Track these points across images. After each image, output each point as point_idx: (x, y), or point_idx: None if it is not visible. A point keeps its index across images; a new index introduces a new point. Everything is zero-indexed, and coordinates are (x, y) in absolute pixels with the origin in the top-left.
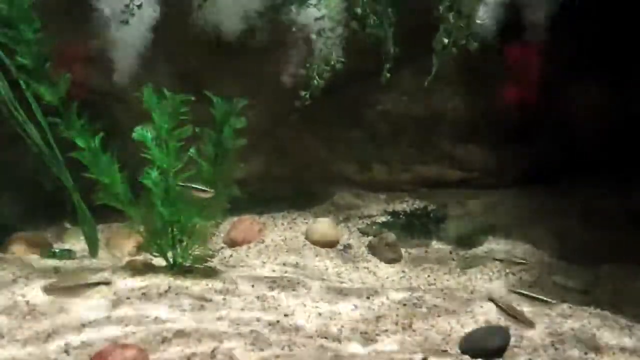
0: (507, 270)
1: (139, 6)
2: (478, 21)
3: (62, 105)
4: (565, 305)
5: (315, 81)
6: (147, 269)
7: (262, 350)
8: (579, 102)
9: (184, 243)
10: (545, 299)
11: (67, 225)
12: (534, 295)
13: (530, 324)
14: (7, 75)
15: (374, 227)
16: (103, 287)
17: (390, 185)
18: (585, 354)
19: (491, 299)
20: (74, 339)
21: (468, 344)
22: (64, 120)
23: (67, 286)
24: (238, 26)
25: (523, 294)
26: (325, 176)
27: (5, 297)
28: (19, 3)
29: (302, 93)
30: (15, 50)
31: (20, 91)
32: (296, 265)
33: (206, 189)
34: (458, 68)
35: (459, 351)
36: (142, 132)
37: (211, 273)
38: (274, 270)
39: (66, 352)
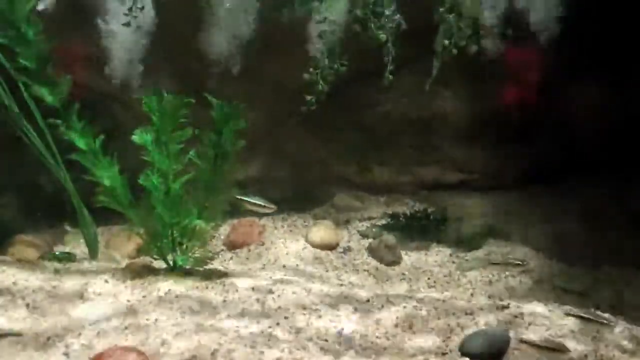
0: (507, 273)
1: (142, 9)
2: (478, 22)
3: (62, 107)
4: (565, 308)
5: (319, 85)
6: (147, 271)
7: (262, 353)
8: (579, 102)
9: (184, 245)
10: (603, 320)
11: (67, 227)
12: (590, 317)
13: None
14: (7, 77)
15: (374, 229)
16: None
17: (390, 187)
18: (586, 356)
19: (523, 341)
20: (74, 341)
21: (468, 346)
22: (65, 122)
23: None
24: (239, 28)
25: (579, 316)
26: (325, 178)
27: (6, 299)
28: (20, 4)
29: (308, 97)
30: (16, 51)
31: (20, 93)
32: (296, 268)
33: (267, 204)
34: (458, 69)
35: (459, 353)
36: (142, 135)
37: (211, 275)
38: (274, 273)
39: (66, 354)
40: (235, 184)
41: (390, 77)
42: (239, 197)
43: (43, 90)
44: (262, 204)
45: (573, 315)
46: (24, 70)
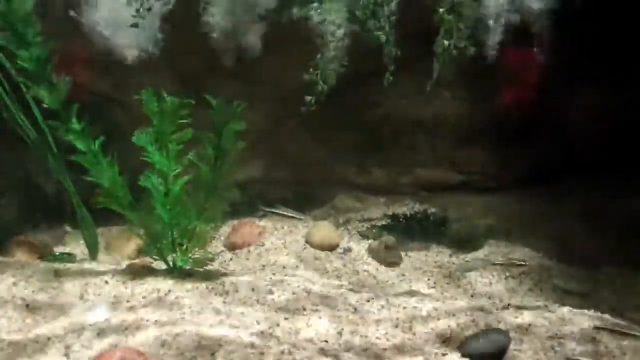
0: (507, 274)
1: (149, 9)
2: (477, 23)
3: (62, 108)
4: (565, 309)
5: (319, 86)
6: (147, 272)
7: (262, 353)
8: (579, 102)
9: (184, 246)
10: (637, 334)
11: (67, 228)
12: (624, 330)
13: None
14: (7, 78)
15: (374, 230)
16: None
17: (390, 188)
18: (585, 357)
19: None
20: (74, 342)
21: (468, 347)
22: (65, 123)
23: None
24: (239, 29)
25: (609, 330)
26: (325, 179)
27: (6, 300)
28: (19, 5)
29: (308, 98)
30: (16, 52)
31: (20, 93)
32: (296, 269)
33: (295, 214)
34: (458, 70)
35: (459, 354)
36: (142, 136)
37: (211, 276)
38: (274, 274)
39: (66, 355)
40: (235, 185)
41: (390, 78)
42: (266, 209)
43: (42, 92)
44: (291, 214)
45: (601, 329)
46: (24, 71)
